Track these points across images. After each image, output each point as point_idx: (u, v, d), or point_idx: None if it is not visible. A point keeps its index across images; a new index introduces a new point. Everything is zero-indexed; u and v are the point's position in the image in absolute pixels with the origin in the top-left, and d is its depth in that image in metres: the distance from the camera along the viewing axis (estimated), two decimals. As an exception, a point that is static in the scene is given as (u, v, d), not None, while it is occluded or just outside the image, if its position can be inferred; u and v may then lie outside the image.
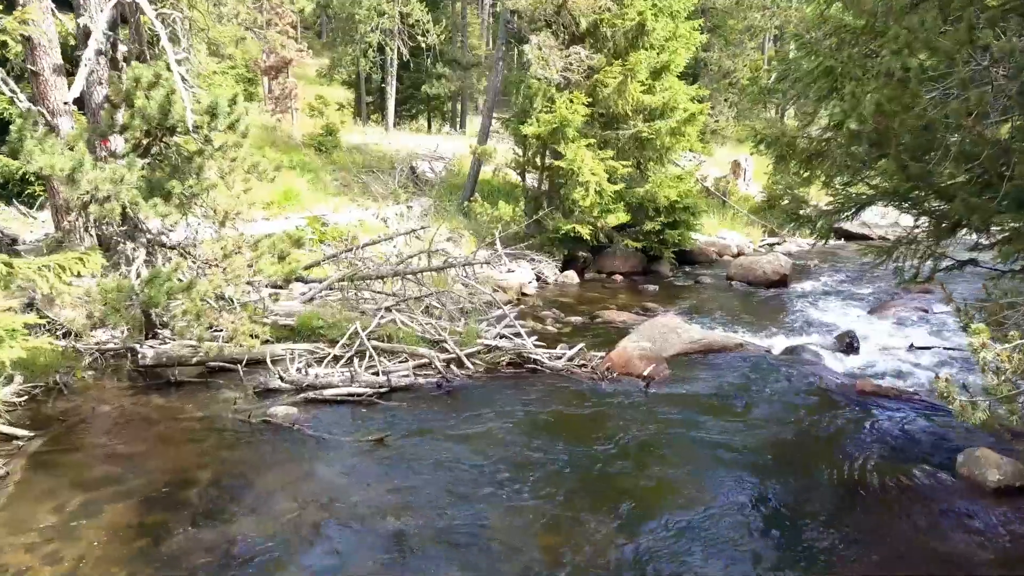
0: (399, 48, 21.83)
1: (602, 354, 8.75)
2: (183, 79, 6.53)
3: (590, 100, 14.33)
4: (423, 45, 22.38)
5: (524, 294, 13.19)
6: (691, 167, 17.22)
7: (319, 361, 8.32)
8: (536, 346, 8.86)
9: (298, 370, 7.89)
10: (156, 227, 7.48)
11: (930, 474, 5.97)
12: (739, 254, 18.28)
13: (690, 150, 22.90)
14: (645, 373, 8.05)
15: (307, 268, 9.92)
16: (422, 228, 10.97)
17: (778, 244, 19.73)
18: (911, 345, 10.17)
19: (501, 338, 8.89)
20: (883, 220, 20.57)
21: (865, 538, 5.08)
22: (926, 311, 12.44)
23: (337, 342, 8.49)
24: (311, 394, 7.43)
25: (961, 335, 11.27)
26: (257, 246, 7.56)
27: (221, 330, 7.47)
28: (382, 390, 7.58)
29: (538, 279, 14.37)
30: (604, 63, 14.64)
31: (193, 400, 7.50)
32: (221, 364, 8.15)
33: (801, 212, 8.13)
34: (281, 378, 7.56)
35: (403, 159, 18.16)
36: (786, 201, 21.01)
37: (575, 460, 6.21)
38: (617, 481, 5.88)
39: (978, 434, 6.44)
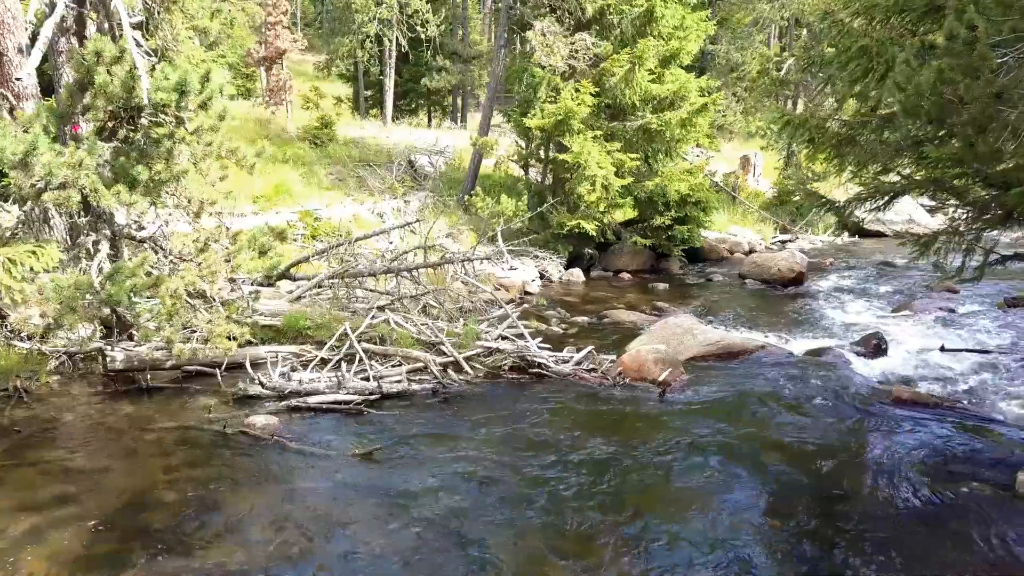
0: (397, 39, 21.16)
1: (612, 357, 8.08)
2: (138, 44, 5.85)
3: (597, 90, 13.65)
4: (422, 37, 21.72)
5: (527, 293, 12.52)
6: (701, 161, 16.53)
7: (305, 365, 7.66)
8: (541, 348, 8.19)
9: (282, 375, 7.22)
10: (125, 219, 6.82)
11: (986, 494, 5.30)
12: (751, 251, 17.60)
13: (697, 145, 22.30)
14: (660, 379, 7.39)
15: (295, 264, 9.25)
16: (417, 221, 10.29)
17: (790, 241, 19.06)
18: (942, 347, 9.50)
19: (503, 340, 8.23)
20: (896, 216, 19.95)
21: (916, 567, 4.41)
22: (952, 311, 11.77)
23: (326, 344, 7.84)
24: (294, 401, 6.76)
25: (993, 337, 10.65)
26: (236, 239, 6.89)
27: (196, 331, 6.81)
28: (372, 397, 6.92)
29: (542, 277, 13.70)
30: (611, 51, 13.96)
31: (165, 408, 6.83)
32: (199, 368, 7.49)
33: (828, 200, 7.43)
34: (262, 384, 6.89)
35: (401, 153, 17.50)
36: (797, 197, 20.35)
37: (585, 477, 5.54)
38: (633, 501, 5.21)
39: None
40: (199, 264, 6.65)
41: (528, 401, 7.09)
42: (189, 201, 6.80)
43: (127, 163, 5.95)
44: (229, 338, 6.63)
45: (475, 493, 5.31)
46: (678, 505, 5.26)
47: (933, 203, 23.07)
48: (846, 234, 20.78)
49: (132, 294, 5.67)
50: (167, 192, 6.42)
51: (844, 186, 22.46)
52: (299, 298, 8.97)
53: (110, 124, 6.41)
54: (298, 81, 23.34)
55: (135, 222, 6.58)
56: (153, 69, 5.97)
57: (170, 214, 6.70)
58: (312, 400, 6.80)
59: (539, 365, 7.70)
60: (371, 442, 6.11)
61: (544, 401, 7.06)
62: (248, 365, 7.13)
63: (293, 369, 7.56)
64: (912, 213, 20.60)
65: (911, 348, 9.56)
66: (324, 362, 7.69)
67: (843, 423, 6.69)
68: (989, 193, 6.08)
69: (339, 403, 6.79)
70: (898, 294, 13.39)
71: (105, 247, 6.37)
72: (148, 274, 5.98)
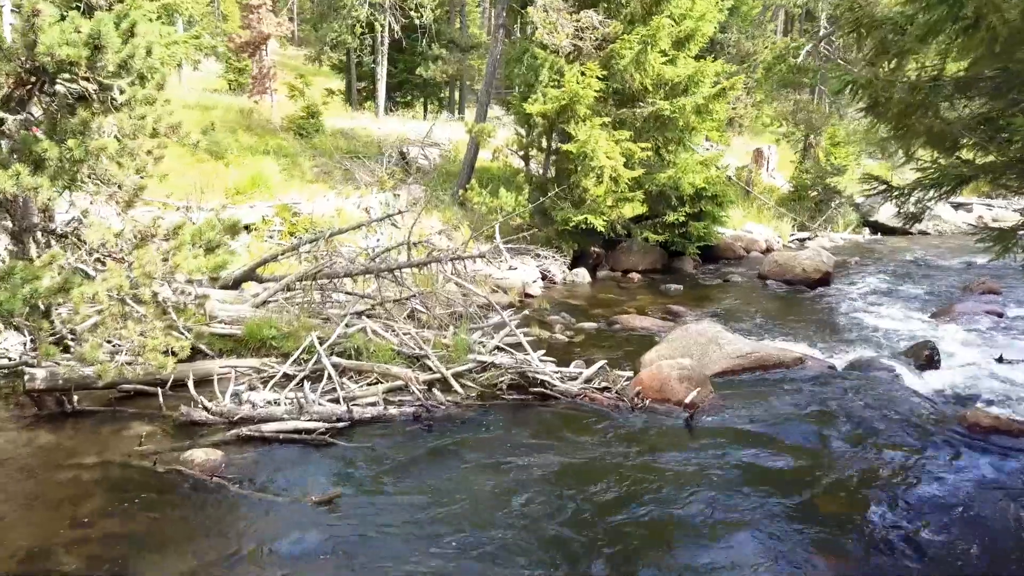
0: (390, 25, 19.93)
1: (629, 374, 6.89)
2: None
3: (604, 73, 12.42)
4: (417, 23, 20.51)
5: (528, 295, 11.32)
6: (715, 153, 15.33)
7: (267, 381, 6.47)
8: (543, 361, 6.99)
9: (234, 396, 6.04)
10: (42, 209, 5.62)
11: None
12: (768, 250, 16.39)
13: (706, 139, 21.08)
14: (687, 400, 6.19)
15: (262, 264, 8.07)
16: (399, 213, 9.05)
17: (809, 239, 17.84)
18: (1000, 358, 8.31)
19: (499, 352, 7.03)
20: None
21: None
22: (1000, 315, 10.58)
23: (292, 356, 6.66)
24: (246, 430, 5.57)
25: (1053, 345, 9.47)
26: (177, 233, 5.70)
27: (128, 344, 5.62)
28: (341, 424, 5.73)
29: (544, 277, 12.49)
30: (620, 31, 12.73)
31: (90, 437, 5.64)
32: (138, 387, 6.29)
33: (889, 185, 6.22)
34: (206, 409, 5.70)
35: (392, 145, 16.29)
36: (815, 192, 19.05)
37: (599, 534, 4.36)
38: (654, 559, 4.03)
39: None
40: (130, 264, 5.46)
41: (528, 429, 5.89)
42: (120, 187, 5.61)
43: (28, 138, 4.76)
44: (166, 353, 5.44)
45: (459, 548, 4.13)
46: (720, 568, 4.07)
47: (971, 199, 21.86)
48: (867, 231, 19.61)
49: (26, 302, 4.47)
50: (87, 177, 5.22)
51: (859, 181, 21.28)
52: (265, 303, 7.77)
53: (17, 92, 5.21)
54: (288, 74, 22.20)
55: (46, 209, 5.37)
56: (63, 19, 4.80)
57: (91, 202, 5.50)
58: (268, 428, 5.61)
59: (542, 383, 6.49)
60: (335, 483, 4.94)
61: (548, 430, 5.87)
62: (191, 385, 5.93)
63: (251, 388, 6.39)
64: (937, 208, 19.46)
65: (965, 359, 8.37)
66: (289, 378, 6.52)
67: (913, 457, 5.49)
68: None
69: (300, 432, 5.61)
70: (935, 296, 12.21)
71: (3, 242, 5.18)
72: (54, 276, 4.78)
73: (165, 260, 5.61)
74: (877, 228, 19.57)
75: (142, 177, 5.71)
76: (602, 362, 6.98)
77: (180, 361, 5.77)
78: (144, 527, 4.43)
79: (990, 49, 4.77)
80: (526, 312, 9.24)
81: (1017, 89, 5.70)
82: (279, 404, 5.93)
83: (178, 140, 5.82)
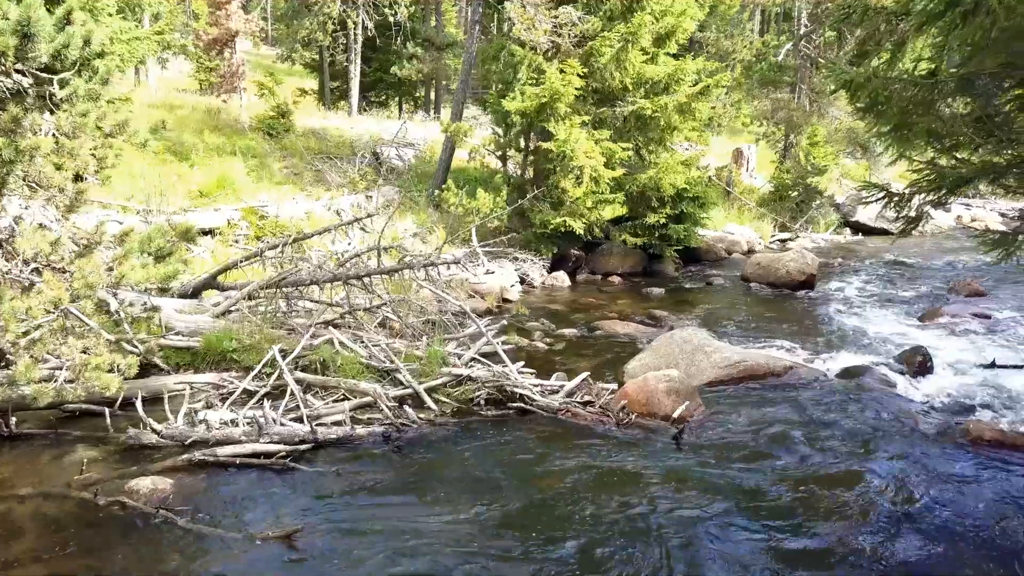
0: (363, 22, 19.42)
1: (613, 387, 6.51)
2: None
3: (584, 71, 12.04)
4: (391, 21, 20.01)
5: (506, 300, 10.92)
6: (695, 153, 15.00)
7: (225, 399, 6.01)
8: (523, 374, 6.60)
9: (187, 416, 5.58)
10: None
11: None
12: (750, 251, 16.14)
13: (685, 139, 20.82)
14: (675, 415, 5.82)
15: (223, 271, 7.60)
16: (368, 217, 8.59)
17: (791, 240, 17.62)
18: (993, 363, 8.06)
19: (476, 364, 6.62)
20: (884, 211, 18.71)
21: None
22: (987, 317, 10.37)
23: (254, 370, 6.21)
24: (199, 454, 5.11)
25: (1044, 348, 9.25)
26: (124, 241, 5.24)
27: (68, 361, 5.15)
28: (303, 446, 5.29)
29: (522, 281, 12.10)
30: (599, 28, 12.37)
31: (28, 465, 5.16)
32: (84, 407, 5.81)
33: (889, 191, 5.90)
34: (155, 431, 5.24)
35: (366, 145, 15.79)
36: (795, 192, 18.83)
37: (585, 558, 3.97)
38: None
39: None
40: (71, 275, 5.00)
41: (507, 448, 5.49)
42: (62, 190, 5.14)
43: (-50, 135, 4.29)
44: (111, 370, 4.98)
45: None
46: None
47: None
48: (848, 232, 19.45)
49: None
50: (20, 179, 4.75)
51: (839, 181, 21.08)
52: (227, 312, 7.30)
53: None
54: (260, 73, 21.57)
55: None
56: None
57: (25, 207, 5.02)
58: (224, 452, 5.15)
59: (521, 397, 6.09)
60: (294, 516, 4.50)
61: (528, 449, 5.47)
62: (139, 405, 5.45)
63: (208, 406, 5.93)
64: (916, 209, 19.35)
65: (958, 365, 8.11)
66: (249, 395, 6.07)
67: (915, 474, 5.16)
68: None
69: (259, 455, 5.16)
70: (921, 298, 11.99)
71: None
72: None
73: (110, 270, 5.16)
74: (858, 229, 19.40)
75: (85, 179, 5.24)
76: (585, 374, 6.59)
77: (133, 377, 5.32)
78: (79, 570, 3.97)
79: (988, 38, 4.45)
80: (504, 320, 8.82)
81: (1018, 84, 5.40)
82: (237, 425, 5.48)
83: (126, 139, 5.35)
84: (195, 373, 6.49)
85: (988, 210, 22.04)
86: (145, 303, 5.82)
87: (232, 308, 7.26)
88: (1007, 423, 6.11)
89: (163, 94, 18.91)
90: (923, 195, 5.85)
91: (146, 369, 6.29)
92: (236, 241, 10.33)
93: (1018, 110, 5.28)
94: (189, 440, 5.21)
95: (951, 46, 5.11)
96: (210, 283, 7.61)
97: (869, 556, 4.15)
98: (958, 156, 6.18)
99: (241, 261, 7.46)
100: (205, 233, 10.37)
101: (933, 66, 5.67)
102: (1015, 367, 7.98)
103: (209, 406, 5.91)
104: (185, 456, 5.12)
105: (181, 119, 15.68)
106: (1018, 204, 16.00)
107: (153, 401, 5.87)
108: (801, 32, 19.78)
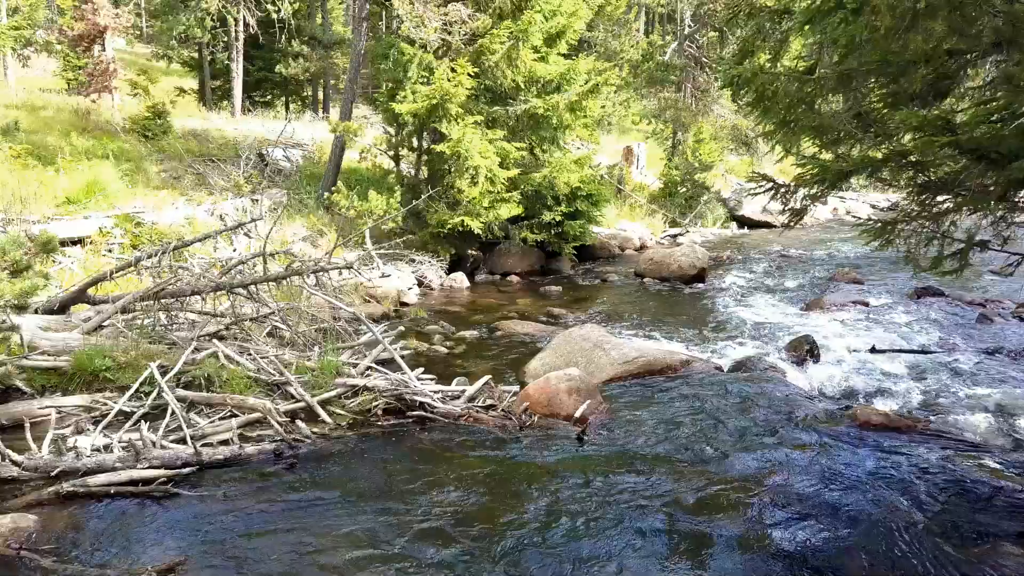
0: (244, 19, 18.62)
1: (515, 388, 6.42)
2: None
3: (476, 71, 11.93)
4: (274, 18, 19.28)
5: (404, 304, 10.69)
6: (587, 152, 15.19)
7: (99, 422, 5.54)
8: (423, 380, 6.41)
9: (54, 443, 5.10)
10: None
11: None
12: (642, 247, 16.49)
13: (577, 137, 21.11)
14: (577, 414, 5.78)
15: (93, 284, 7.03)
16: (252, 222, 8.18)
17: (680, 235, 18.12)
18: (872, 348, 8.49)
19: (373, 372, 6.38)
20: (779, 205, 19.60)
21: None
22: (865, 304, 10.95)
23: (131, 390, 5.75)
24: (68, 485, 4.65)
25: (916, 331, 9.81)
26: (-28, 255, 4.72)
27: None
28: (187, 470, 4.92)
29: (420, 284, 11.88)
30: (489, 25, 12.29)
31: None
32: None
33: (776, 183, 6.07)
34: (15, 463, 4.75)
35: (251, 146, 15.11)
36: (684, 188, 19.36)
37: (489, 566, 3.85)
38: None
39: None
40: (-92, 293, 4.45)
41: (407, 459, 5.29)
42: None
43: None
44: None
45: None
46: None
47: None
48: (734, 225, 20.19)
49: None
50: None
51: (724, 177, 21.82)
52: (99, 328, 6.75)
53: None
54: (134, 72, 20.32)
55: None
56: None
57: None
58: (96, 481, 4.72)
59: (422, 405, 5.90)
60: (178, 546, 4.16)
61: (430, 458, 5.29)
62: (-3, 438, 4.94)
63: (79, 431, 5.44)
64: (798, 202, 20.31)
65: (841, 352, 8.49)
66: (126, 417, 5.61)
67: (808, 459, 5.31)
68: (979, 168, 4.83)
69: (137, 482, 4.76)
70: (804, 287, 12.56)
71: None
72: None
73: (-45, 287, 4.64)
74: (744, 222, 20.19)
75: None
76: (486, 377, 6.46)
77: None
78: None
79: (872, 35, 4.61)
80: (402, 325, 8.60)
81: (895, 81, 5.63)
82: (111, 450, 5.05)
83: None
84: (64, 396, 5.94)
85: (861, 202, 23.39)
86: (3, 321, 5.27)
87: (105, 323, 6.73)
88: (890, 407, 6.40)
89: (25, 94, 17.53)
90: (807, 188, 6.03)
91: (6, 394, 5.73)
92: (109, 251, 9.63)
93: (890, 107, 5.51)
94: (56, 470, 4.75)
95: (838, 43, 5.29)
96: (80, 297, 7.03)
97: (767, 542, 4.21)
98: (839, 151, 6.44)
99: (115, 272, 6.91)
100: (74, 243, 9.62)
101: (809, 64, 5.86)
102: (891, 351, 8.42)
103: (80, 431, 5.42)
104: (52, 488, 4.66)
105: (45, 121, 14.55)
106: (889, 197, 17.03)
107: (14, 429, 5.35)
108: (685, 32, 20.39)
